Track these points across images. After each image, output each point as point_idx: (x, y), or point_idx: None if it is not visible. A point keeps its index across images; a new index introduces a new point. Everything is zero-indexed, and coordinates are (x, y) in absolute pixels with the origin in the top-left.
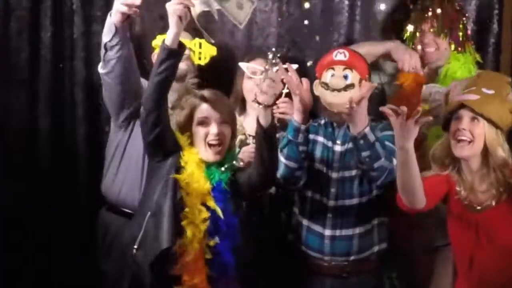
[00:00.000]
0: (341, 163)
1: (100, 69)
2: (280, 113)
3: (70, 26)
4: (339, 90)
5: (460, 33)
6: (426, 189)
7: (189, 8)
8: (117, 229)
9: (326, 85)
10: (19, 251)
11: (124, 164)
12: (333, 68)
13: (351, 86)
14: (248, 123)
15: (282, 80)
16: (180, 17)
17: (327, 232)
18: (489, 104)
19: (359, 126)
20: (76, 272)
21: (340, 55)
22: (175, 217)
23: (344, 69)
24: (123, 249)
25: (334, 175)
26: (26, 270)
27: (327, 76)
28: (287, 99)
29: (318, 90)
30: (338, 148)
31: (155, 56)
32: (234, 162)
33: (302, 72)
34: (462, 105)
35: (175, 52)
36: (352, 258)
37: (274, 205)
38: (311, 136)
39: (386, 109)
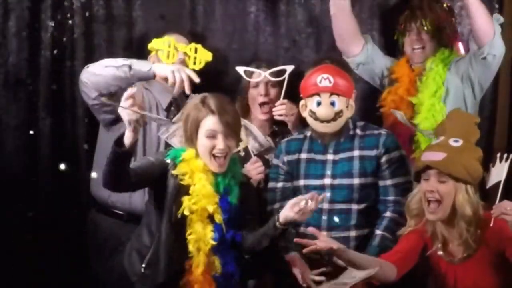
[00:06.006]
0: (334, 170)
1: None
2: (278, 115)
3: (70, 26)
4: (328, 121)
5: (448, 32)
6: (399, 257)
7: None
8: (108, 231)
9: (314, 114)
10: (19, 251)
11: None
12: (318, 95)
13: (340, 113)
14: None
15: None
16: (136, 122)
17: (323, 233)
18: (456, 161)
19: None
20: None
21: (324, 81)
22: (172, 246)
23: (331, 95)
24: (121, 258)
25: (327, 181)
26: (24, 270)
27: (313, 104)
28: (285, 100)
29: (307, 116)
30: (330, 157)
31: (151, 59)
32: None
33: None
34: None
35: (128, 155)
36: None
37: None
38: (294, 156)
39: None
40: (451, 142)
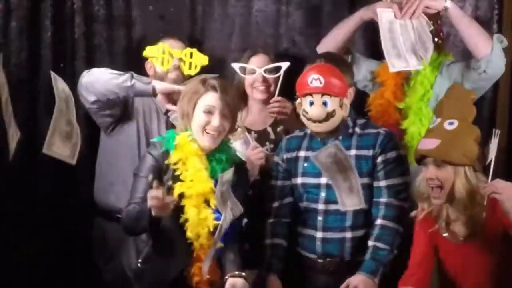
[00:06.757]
0: None
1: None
2: (273, 112)
3: (70, 26)
4: (320, 122)
5: (435, 34)
6: (415, 280)
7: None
8: (118, 237)
9: (307, 114)
10: (18, 253)
11: (117, 170)
12: (311, 95)
13: (332, 113)
14: (249, 117)
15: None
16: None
17: (319, 235)
18: (451, 146)
19: None
20: (76, 275)
21: (315, 82)
22: (169, 238)
23: (322, 95)
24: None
25: (323, 180)
26: (24, 273)
27: (306, 104)
28: (280, 98)
29: (301, 115)
30: None
31: (148, 65)
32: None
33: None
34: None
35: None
36: (346, 260)
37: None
38: (293, 154)
39: None
40: (446, 125)
